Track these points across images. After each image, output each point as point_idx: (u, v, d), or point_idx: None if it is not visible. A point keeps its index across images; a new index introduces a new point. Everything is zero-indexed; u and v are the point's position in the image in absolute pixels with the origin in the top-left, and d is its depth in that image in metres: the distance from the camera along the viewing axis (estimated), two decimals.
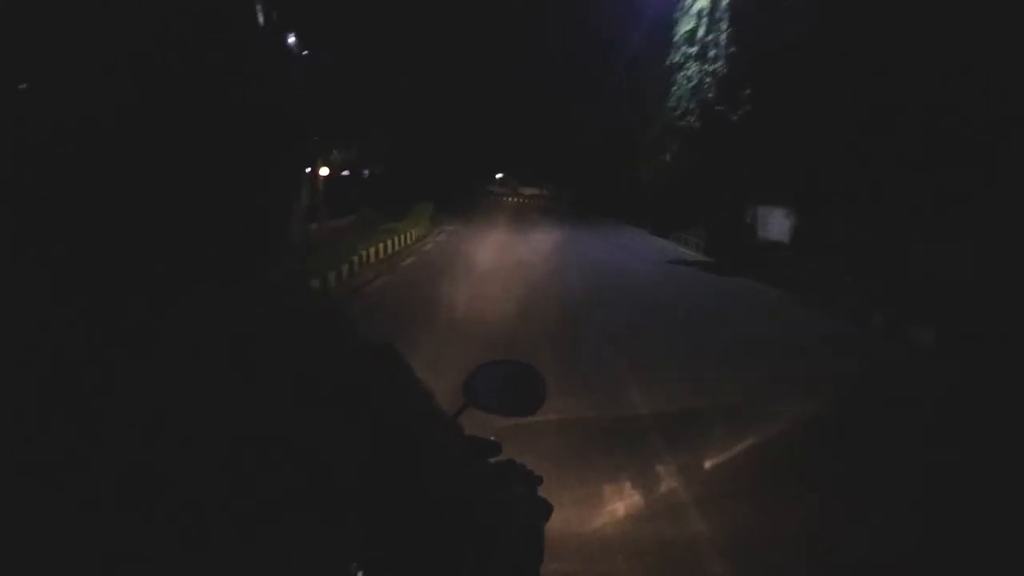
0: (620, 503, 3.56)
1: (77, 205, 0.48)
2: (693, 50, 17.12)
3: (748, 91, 13.60)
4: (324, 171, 17.57)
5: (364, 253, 13.36)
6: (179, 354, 0.49)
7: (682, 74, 17.72)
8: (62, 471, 0.46)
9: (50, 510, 0.46)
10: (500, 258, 14.98)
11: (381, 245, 14.79)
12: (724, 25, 15.23)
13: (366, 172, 31.03)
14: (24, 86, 0.47)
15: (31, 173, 0.48)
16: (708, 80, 16.34)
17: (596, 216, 31.68)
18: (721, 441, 4.38)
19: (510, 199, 47.67)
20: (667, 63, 18.44)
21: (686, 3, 17.50)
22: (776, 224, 15.91)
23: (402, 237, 17.01)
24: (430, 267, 13.35)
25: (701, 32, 16.74)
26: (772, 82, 12.95)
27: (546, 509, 0.87)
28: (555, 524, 0.88)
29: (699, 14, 16.77)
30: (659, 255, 17.38)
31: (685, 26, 17.50)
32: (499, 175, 50.93)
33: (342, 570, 0.57)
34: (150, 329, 0.49)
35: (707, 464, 4.06)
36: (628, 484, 3.75)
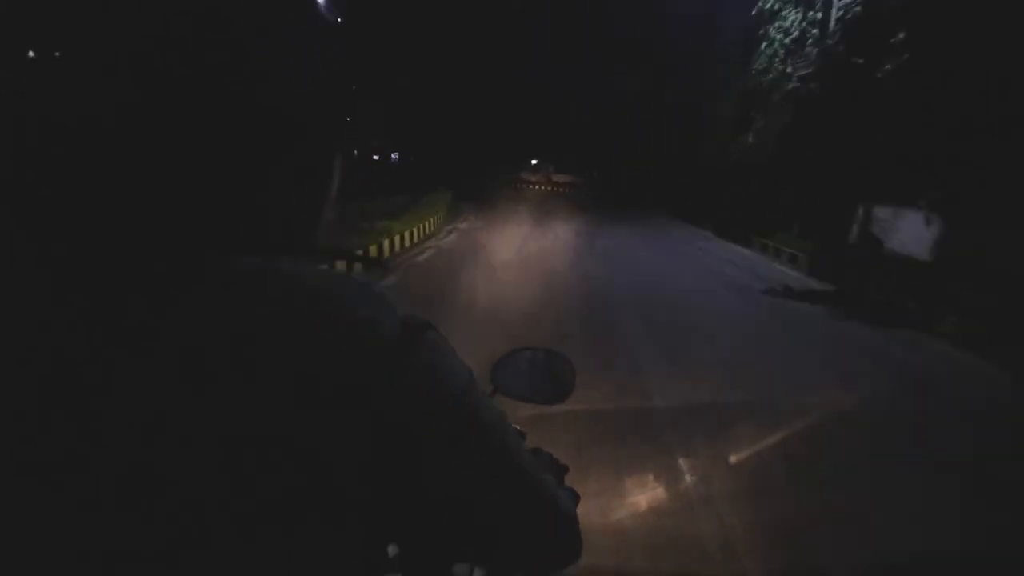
0: None
1: (77, 205, 0.49)
2: None
3: (902, 35, 9.02)
4: None
5: None
6: (179, 354, 0.48)
7: (776, 25, 13.15)
8: (62, 471, 0.46)
9: (50, 510, 0.46)
10: (521, 273, 10.69)
11: (360, 252, 10.76)
12: None
13: (394, 156, 27.92)
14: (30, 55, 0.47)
15: (31, 173, 0.48)
16: (813, 32, 11.79)
17: (640, 211, 27.08)
18: None
19: (541, 187, 43.51)
20: (754, 12, 13.90)
21: None
22: (910, 232, 11.26)
23: (394, 241, 12.93)
24: (427, 279, 9.44)
25: None
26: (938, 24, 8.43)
27: (573, 499, 0.86)
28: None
29: None
30: (745, 274, 12.73)
31: None
32: (534, 161, 47.32)
33: (342, 570, 0.54)
34: (150, 329, 0.49)
35: None
36: None
